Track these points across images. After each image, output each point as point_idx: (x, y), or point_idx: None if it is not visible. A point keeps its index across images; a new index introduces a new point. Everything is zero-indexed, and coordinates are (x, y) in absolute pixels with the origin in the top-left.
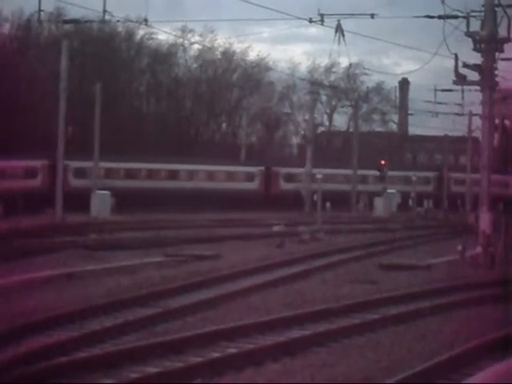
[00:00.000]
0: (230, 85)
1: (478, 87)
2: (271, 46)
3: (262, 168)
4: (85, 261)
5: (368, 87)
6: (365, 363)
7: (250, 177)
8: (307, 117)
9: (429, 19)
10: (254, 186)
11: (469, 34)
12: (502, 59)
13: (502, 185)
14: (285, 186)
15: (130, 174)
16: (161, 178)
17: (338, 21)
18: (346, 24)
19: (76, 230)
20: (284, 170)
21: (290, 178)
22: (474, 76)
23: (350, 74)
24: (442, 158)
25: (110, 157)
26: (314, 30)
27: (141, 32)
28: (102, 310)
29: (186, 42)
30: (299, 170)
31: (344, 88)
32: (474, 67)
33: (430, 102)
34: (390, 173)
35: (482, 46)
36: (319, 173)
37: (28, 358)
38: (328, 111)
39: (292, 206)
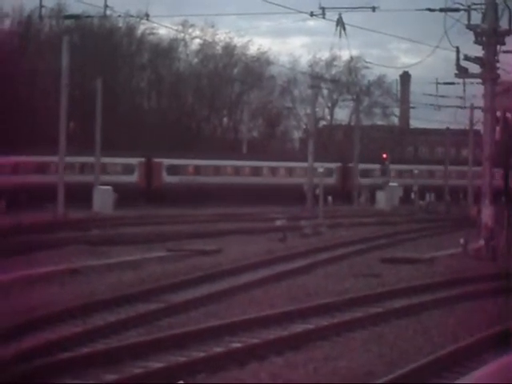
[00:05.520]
0: (231, 79)
1: (479, 80)
2: (271, 39)
3: None
4: (87, 256)
5: (369, 81)
6: (368, 357)
7: None
8: (309, 111)
9: (430, 12)
10: None
11: (470, 26)
12: (504, 52)
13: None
14: None
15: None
16: None
17: (340, 14)
18: (347, 16)
19: (78, 226)
20: None
21: None
22: (475, 69)
23: (351, 67)
24: (444, 151)
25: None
26: (312, 23)
27: (142, 27)
28: (105, 305)
29: (186, 36)
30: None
31: (345, 81)
32: (476, 60)
33: (431, 95)
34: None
35: (484, 38)
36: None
37: (30, 354)
38: (329, 105)
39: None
